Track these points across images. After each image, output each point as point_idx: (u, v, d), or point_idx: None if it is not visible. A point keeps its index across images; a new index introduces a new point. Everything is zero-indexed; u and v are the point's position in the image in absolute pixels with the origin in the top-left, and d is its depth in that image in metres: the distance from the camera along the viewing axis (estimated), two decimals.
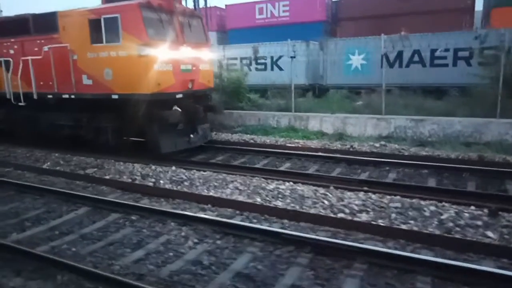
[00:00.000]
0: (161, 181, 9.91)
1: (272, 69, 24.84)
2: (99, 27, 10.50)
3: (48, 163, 11.93)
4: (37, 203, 8.54)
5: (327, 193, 8.63)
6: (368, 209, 7.64)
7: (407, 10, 27.72)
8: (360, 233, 6.62)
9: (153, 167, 11.02)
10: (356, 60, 22.78)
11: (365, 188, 8.60)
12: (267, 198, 8.46)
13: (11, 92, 12.48)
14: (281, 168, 10.83)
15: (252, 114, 16.78)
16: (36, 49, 12.35)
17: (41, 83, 12.12)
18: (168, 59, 10.57)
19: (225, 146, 13.31)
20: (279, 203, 8.14)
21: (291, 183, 9.29)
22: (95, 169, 11.16)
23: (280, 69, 24.76)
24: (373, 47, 20.50)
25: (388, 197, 8.16)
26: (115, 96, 10.59)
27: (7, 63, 12.74)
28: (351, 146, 12.96)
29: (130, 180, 9.97)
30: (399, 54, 18.86)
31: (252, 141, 14.43)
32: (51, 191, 9.05)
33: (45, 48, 11.96)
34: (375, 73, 21.38)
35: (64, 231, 7.12)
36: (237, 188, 9.18)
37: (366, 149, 12.59)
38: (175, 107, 10.87)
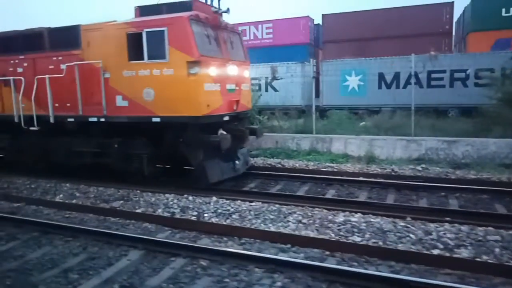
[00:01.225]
0: (205, 214, 8.54)
1: (266, 90, 23.73)
2: (140, 42, 9.01)
3: (61, 195, 10.27)
4: (73, 247, 7.00)
5: (409, 225, 7.55)
6: (465, 243, 6.64)
7: (388, 34, 27.61)
8: (491, 276, 5.57)
9: (190, 197, 9.60)
10: (353, 81, 22.06)
11: (448, 219, 7.60)
12: (342, 233, 7.31)
13: (21, 115, 10.51)
14: (329, 196, 9.76)
15: (269, 137, 15.47)
16: (51, 66, 10.64)
17: (60, 104, 10.28)
18: (217, 78, 9.12)
19: (252, 172, 11.91)
20: (358, 239, 7.06)
21: (360, 214, 8.17)
22: (121, 202, 9.60)
23: (275, 90, 23.78)
24: (374, 68, 20.04)
25: (480, 228, 7.22)
26: (156, 119, 9.04)
27: (16, 82, 10.80)
28: (392, 170, 11.82)
29: (169, 214, 8.62)
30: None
31: (279, 165, 13.18)
32: (86, 231, 7.51)
33: (63, 66, 10.36)
34: (372, 94, 20.92)
35: (125, 285, 5.69)
36: (299, 221, 7.97)
37: (409, 173, 11.53)
38: (221, 131, 9.39)
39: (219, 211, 8.67)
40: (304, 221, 7.93)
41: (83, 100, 9.92)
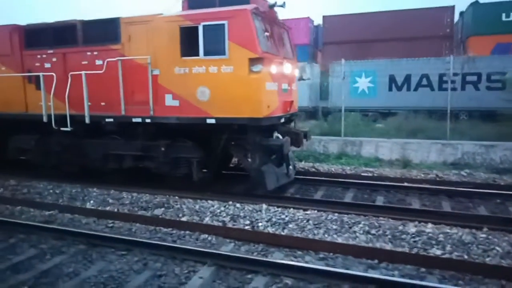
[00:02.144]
0: (259, 224, 7.75)
1: None
2: (195, 37, 8.06)
3: (92, 201, 9.31)
4: (132, 263, 6.17)
5: (489, 237, 6.92)
6: None
7: (389, 36, 27.19)
8: None
9: (237, 205, 8.75)
10: (363, 83, 21.48)
11: None
12: (419, 246, 6.64)
13: (51, 114, 9.41)
14: (380, 203, 9.02)
15: None
16: (85, 62, 9.63)
17: (97, 103, 9.23)
18: (275, 77, 8.27)
19: None
20: (438, 252, 6.41)
21: (431, 224, 7.50)
22: (162, 209, 8.72)
23: None
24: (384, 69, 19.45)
25: None
26: (211, 121, 8.15)
27: (45, 79, 9.79)
28: (437, 176, 11.19)
29: (220, 224, 7.81)
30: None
31: (313, 169, 12.37)
32: (141, 244, 6.62)
33: (99, 62, 9.46)
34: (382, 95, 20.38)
35: None
36: (368, 232, 7.27)
37: (454, 179, 10.89)
38: (276, 134, 8.53)
39: (274, 220, 7.90)
40: (373, 232, 7.24)
41: (126, 99, 8.85)
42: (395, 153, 13.26)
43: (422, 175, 11.43)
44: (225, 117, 8.13)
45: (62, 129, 9.62)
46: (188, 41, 8.21)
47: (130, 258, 6.36)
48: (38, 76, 10.21)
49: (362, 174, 11.64)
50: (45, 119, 9.79)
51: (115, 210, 8.79)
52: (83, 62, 9.71)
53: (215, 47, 8.03)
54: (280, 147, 8.19)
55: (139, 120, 8.77)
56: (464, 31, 28.02)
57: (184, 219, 8.12)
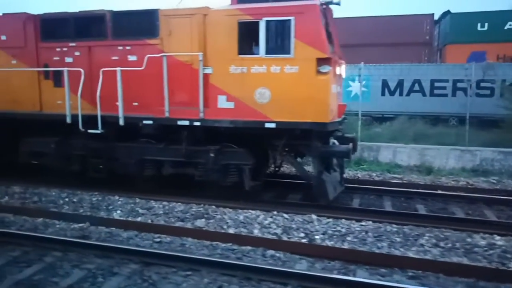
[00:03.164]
0: (316, 237, 7.00)
1: None
2: (256, 33, 7.13)
3: (118, 211, 8.27)
4: (204, 285, 5.28)
5: None
6: None
7: (371, 42, 27.02)
8: None
9: (285, 215, 7.91)
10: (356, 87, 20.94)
11: None
12: (496, 260, 6.12)
13: (79, 114, 8.19)
14: (423, 212, 8.44)
15: None
16: (114, 57, 8.52)
17: (129, 103, 8.07)
18: (335, 78, 7.49)
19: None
20: None
21: (497, 236, 6.98)
22: (203, 220, 7.78)
23: None
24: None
25: None
26: (270, 125, 7.27)
27: (68, 74, 8.63)
28: (468, 183, 10.80)
29: (273, 236, 6.98)
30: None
31: None
32: (208, 262, 5.70)
33: (132, 57, 8.40)
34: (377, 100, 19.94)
35: None
36: (436, 245, 6.67)
37: (485, 186, 10.53)
38: (332, 140, 7.75)
39: (329, 232, 7.18)
40: (442, 244, 6.67)
41: (172, 99, 7.78)
42: (413, 159, 12.79)
43: (453, 182, 10.97)
44: (287, 121, 7.28)
45: (89, 131, 8.33)
46: (247, 38, 7.31)
47: (199, 279, 5.45)
48: (57, 72, 8.93)
49: (392, 181, 11.03)
50: (69, 120, 8.49)
51: (149, 221, 7.75)
52: (113, 58, 8.56)
53: (279, 45, 7.18)
54: (346, 154, 7.43)
55: (186, 123, 7.73)
56: (441, 39, 28.33)
57: (231, 231, 7.26)
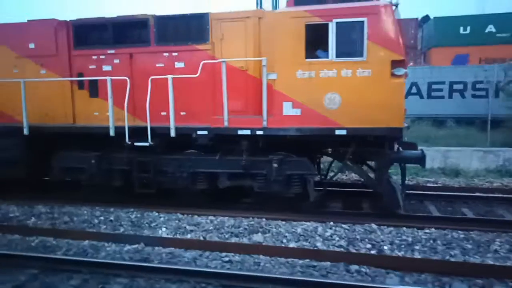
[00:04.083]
0: (384, 247, 6.50)
1: None
2: (325, 36, 6.58)
3: (164, 228, 7.50)
4: None
5: None
6: None
7: None
8: None
9: (344, 226, 7.35)
10: None
11: None
12: None
13: (126, 126, 7.37)
14: (471, 216, 7.96)
15: None
16: (160, 65, 7.79)
17: (182, 113, 7.40)
18: None
19: (337, 188, 9.42)
20: None
21: None
22: (259, 234, 7.12)
23: None
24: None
25: None
26: (341, 132, 6.70)
27: (104, 84, 7.76)
28: (502, 184, 10.61)
29: (342, 249, 6.43)
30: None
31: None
32: (305, 284, 5.10)
33: (179, 64, 7.76)
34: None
35: None
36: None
37: None
38: (396, 145, 7.25)
39: (396, 241, 6.69)
40: None
41: (231, 108, 7.08)
42: (436, 161, 12.45)
43: (486, 183, 10.64)
44: (359, 127, 6.71)
45: (136, 144, 7.50)
46: (315, 41, 6.71)
47: None
48: (93, 81, 8.04)
49: (427, 185, 10.62)
50: (112, 133, 7.64)
51: (201, 238, 7.06)
52: (158, 65, 7.82)
53: (350, 48, 6.63)
54: (421, 160, 6.88)
55: (248, 132, 7.04)
56: (425, 42, 28.55)
57: (292, 245, 6.68)
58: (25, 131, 8.17)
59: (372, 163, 8.00)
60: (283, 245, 6.69)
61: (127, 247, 6.74)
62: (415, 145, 7.66)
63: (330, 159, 8.23)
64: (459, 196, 9.20)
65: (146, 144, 7.54)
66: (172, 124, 7.42)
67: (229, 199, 8.19)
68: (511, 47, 22.99)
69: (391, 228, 7.15)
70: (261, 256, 6.23)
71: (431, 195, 9.36)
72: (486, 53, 24.06)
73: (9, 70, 8.68)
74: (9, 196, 8.97)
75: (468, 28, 25.77)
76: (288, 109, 6.94)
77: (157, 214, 8.25)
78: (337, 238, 6.89)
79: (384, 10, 6.52)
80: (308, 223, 7.51)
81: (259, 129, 7.05)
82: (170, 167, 7.73)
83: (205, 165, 7.62)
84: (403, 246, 6.48)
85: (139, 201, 8.42)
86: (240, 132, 7.13)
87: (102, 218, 8.20)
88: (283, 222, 7.61)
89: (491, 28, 25.31)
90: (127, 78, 7.55)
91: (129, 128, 7.66)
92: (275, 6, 14.60)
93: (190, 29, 7.64)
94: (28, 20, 8.66)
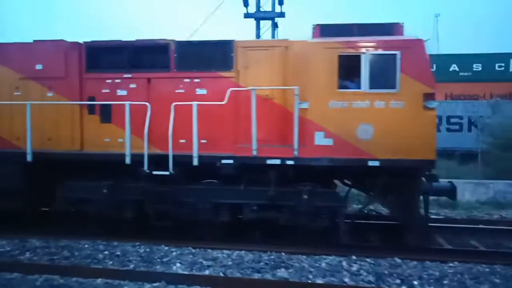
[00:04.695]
0: (415, 282, 6.21)
1: None
2: (357, 67, 6.51)
3: (178, 264, 6.88)
4: None
5: None
6: None
7: None
8: None
9: (368, 260, 7.03)
10: None
11: None
12: None
13: (145, 154, 6.92)
14: None
15: None
16: (180, 91, 7.51)
17: (203, 141, 7.06)
18: None
19: (366, 221, 9.26)
20: None
21: None
22: (283, 269, 6.64)
23: None
24: None
25: None
26: (373, 163, 6.61)
27: (116, 109, 7.48)
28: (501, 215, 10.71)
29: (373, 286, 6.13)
30: None
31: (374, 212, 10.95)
32: None
33: (200, 91, 7.47)
34: None
35: None
36: None
37: None
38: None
39: (424, 276, 6.38)
40: None
41: (261, 136, 6.81)
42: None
43: (486, 215, 10.86)
44: (391, 159, 6.57)
45: (155, 173, 7.01)
46: (347, 71, 6.60)
47: None
48: (106, 106, 7.56)
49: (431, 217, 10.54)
50: (128, 161, 7.13)
51: (221, 274, 6.51)
52: (178, 91, 7.48)
53: (383, 80, 6.61)
54: (452, 192, 6.82)
55: (277, 162, 6.75)
56: None
57: (319, 281, 6.27)
58: (29, 158, 7.46)
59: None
60: (309, 281, 6.32)
61: (147, 285, 6.13)
62: (436, 177, 7.62)
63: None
64: (464, 228, 9.15)
65: (167, 173, 7.05)
66: (195, 153, 7.02)
67: (243, 232, 7.75)
68: (472, 84, 24.35)
69: (415, 262, 6.92)
70: None
71: (438, 227, 9.27)
72: (451, 89, 25.19)
73: (9, 92, 8.01)
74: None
75: (434, 66, 27.05)
76: (320, 139, 6.74)
77: (166, 248, 7.64)
78: (364, 273, 6.58)
79: (416, 45, 6.56)
80: (329, 257, 7.18)
81: (290, 159, 6.79)
82: (191, 198, 7.24)
83: (228, 196, 7.23)
84: (431, 280, 6.25)
85: (141, 235, 7.76)
86: (269, 162, 6.82)
87: (106, 252, 7.49)
88: (304, 257, 7.23)
89: (454, 67, 26.61)
90: (147, 104, 7.11)
91: (156, 156, 7.17)
92: (273, 35, 14.70)
93: (213, 56, 7.40)
94: (34, 40, 8.09)
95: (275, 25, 14.27)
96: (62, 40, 7.93)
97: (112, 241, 7.84)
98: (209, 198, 7.24)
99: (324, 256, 7.18)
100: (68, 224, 8.16)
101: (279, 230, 7.53)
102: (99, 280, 6.24)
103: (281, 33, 14.60)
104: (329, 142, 6.74)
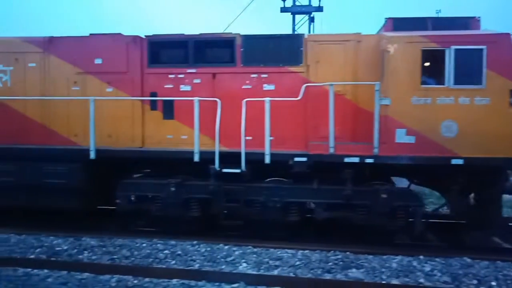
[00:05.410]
0: (492, 283, 5.90)
1: None
2: (441, 62, 6.15)
3: (244, 264, 6.53)
4: None
5: None
6: None
7: None
8: None
9: (437, 259, 6.65)
10: None
11: None
12: None
13: (216, 151, 6.59)
14: None
15: None
16: (246, 86, 7.15)
17: (272, 138, 6.68)
18: None
19: None
20: None
21: None
22: (354, 270, 6.33)
23: None
24: None
25: None
26: (457, 161, 6.33)
27: (183, 106, 7.15)
28: None
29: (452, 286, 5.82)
30: None
31: None
32: None
33: (268, 86, 7.18)
34: None
35: None
36: None
37: None
38: None
39: (499, 276, 6.07)
40: None
41: (340, 134, 6.51)
42: None
43: None
44: (477, 157, 6.24)
45: (225, 170, 6.69)
46: (431, 67, 6.27)
47: None
48: (168, 102, 7.22)
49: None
50: (197, 158, 6.79)
51: (291, 274, 6.17)
52: (244, 86, 7.13)
53: (468, 75, 6.29)
54: None
55: (356, 160, 6.42)
56: None
57: (395, 281, 5.94)
58: (92, 155, 7.11)
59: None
60: (383, 282, 6.02)
61: (225, 286, 5.82)
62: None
63: None
64: None
65: (238, 171, 6.72)
66: (267, 150, 6.69)
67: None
68: None
69: (486, 262, 6.61)
70: None
71: None
72: None
73: (66, 87, 7.66)
74: (44, 225, 7.78)
75: None
76: (401, 137, 6.41)
77: (226, 247, 7.33)
78: (438, 274, 6.29)
79: (503, 39, 6.24)
80: (397, 257, 6.87)
81: (369, 157, 6.46)
82: (261, 196, 6.92)
83: (300, 194, 6.92)
84: (509, 281, 5.95)
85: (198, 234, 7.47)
86: (346, 160, 6.49)
87: (167, 251, 7.17)
88: (371, 256, 6.93)
89: None
90: (217, 100, 6.77)
91: (212, 153, 6.83)
92: (309, 30, 14.34)
93: (281, 50, 7.09)
94: (90, 34, 7.73)
95: (311, 20, 13.96)
96: (120, 34, 7.57)
97: (168, 240, 7.53)
98: (280, 197, 6.91)
99: (392, 256, 6.89)
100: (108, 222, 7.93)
101: (330, 229, 7.26)
102: (174, 281, 5.94)
103: (317, 28, 14.30)
104: (410, 139, 6.42)
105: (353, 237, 7.24)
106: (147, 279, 6.02)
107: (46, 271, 6.24)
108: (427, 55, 6.38)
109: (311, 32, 13.92)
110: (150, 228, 7.59)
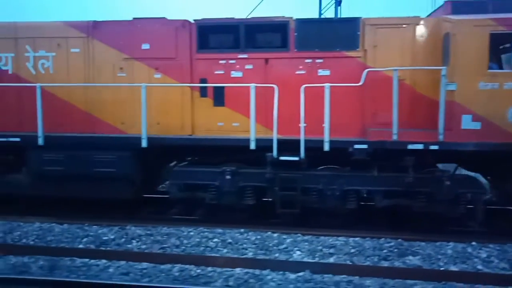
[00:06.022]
0: None
1: None
2: (510, 46, 5.86)
3: (297, 252, 6.42)
4: None
5: None
6: None
7: None
8: None
9: (491, 245, 6.53)
10: None
11: None
12: None
13: (274, 139, 6.38)
14: None
15: None
16: (300, 72, 6.86)
17: (318, 125, 6.43)
18: None
19: None
20: None
21: None
22: (410, 257, 6.22)
23: None
24: None
25: None
26: None
27: (237, 92, 6.91)
28: None
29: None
30: None
31: None
32: None
33: (323, 72, 6.91)
34: None
35: None
36: None
37: None
38: None
39: None
40: None
41: (376, 120, 6.34)
42: None
43: None
44: None
45: (282, 158, 6.48)
46: (499, 51, 6.00)
47: None
48: (219, 88, 6.95)
49: None
50: (253, 146, 6.56)
51: (348, 262, 6.09)
52: (298, 72, 6.87)
53: None
54: None
55: (420, 147, 6.22)
56: None
57: (453, 268, 5.85)
58: (143, 143, 6.86)
59: None
60: (442, 269, 5.90)
61: (291, 275, 5.67)
62: None
63: None
64: None
65: (296, 158, 6.51)
66: (327, 137, 6.47)
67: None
68: None
69: None
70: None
71: None
72: None
73: (112, 73, 7.37)
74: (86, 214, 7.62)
75: None
76: (467, 123, 6.21)
77: (275, 235, 7.17)
78: (495, 260, 6.18)
79: None
80: (450, 243, 6.73)
81: (434, 144, 6.25)
82: (319, 184, 6.72)
83: (360, 182, 6.73)
84: None
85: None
86: (410, 147, 6.28)
87: (217, 240, 7.01)
88: (423, 243, 6.78)
89: None
90: (275, 86, 6.51)
91: (266, 140, 6.60)
92: (336, 13, 13.92)
93: (337, 35, 6.81)
94: (134, 18, 7.40)
95: (338, 3, 13.56)
96: (166, 19, 7.25)
97: (214, 228, 7.36)
98: (338, 185, 6.72)
99: (445, 243, 6.75)
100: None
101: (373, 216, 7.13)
102: (237, 270, 5.78)
103: (344, 13, 13.87)
104: (476, 125, 6.21)
105: (394, 224, 7.09)
106: (209, 268, 5.87)
107: (104, 261, 6.11)
108: (495, 39, 6.12)
109: (338, 15, 13.55)
110: (189, 217, 7.47)
